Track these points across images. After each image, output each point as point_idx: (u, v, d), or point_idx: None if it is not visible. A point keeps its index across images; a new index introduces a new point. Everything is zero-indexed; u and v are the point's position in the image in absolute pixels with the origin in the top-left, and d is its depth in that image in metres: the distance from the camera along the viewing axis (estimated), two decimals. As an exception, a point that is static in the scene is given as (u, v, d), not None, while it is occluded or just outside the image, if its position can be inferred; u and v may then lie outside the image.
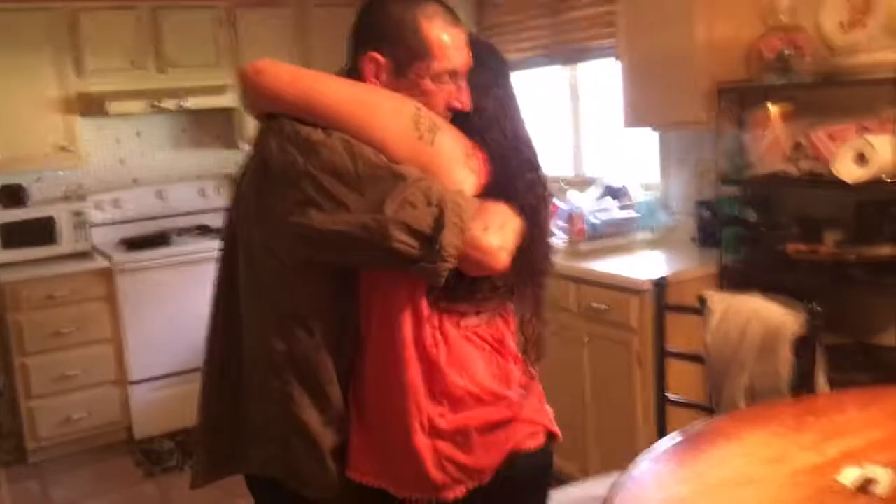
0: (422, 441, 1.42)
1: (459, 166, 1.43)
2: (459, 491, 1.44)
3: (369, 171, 1.35)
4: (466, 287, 1.44)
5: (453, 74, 1.46)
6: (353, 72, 1.47)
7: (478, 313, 1.49)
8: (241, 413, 1.53)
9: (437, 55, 1.43)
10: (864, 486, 1.44)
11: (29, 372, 3.95)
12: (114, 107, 4.10)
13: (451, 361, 1.44)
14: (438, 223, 1.34)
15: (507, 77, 1.57)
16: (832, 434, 1.67)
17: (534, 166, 1.54)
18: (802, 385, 2.08)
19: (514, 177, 1.49)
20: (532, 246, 1.49)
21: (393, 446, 1.45)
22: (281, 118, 1.40)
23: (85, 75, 4.16)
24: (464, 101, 1.48)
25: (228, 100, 4.37)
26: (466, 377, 1.45)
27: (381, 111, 1.40)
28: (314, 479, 1.47)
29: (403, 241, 1.34)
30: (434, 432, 1.43)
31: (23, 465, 3.99)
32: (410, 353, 1.42)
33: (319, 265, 1.42)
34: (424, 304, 1.43)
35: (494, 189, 1.46)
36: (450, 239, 1.34)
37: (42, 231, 4.10)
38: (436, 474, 1.43)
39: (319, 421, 1.46)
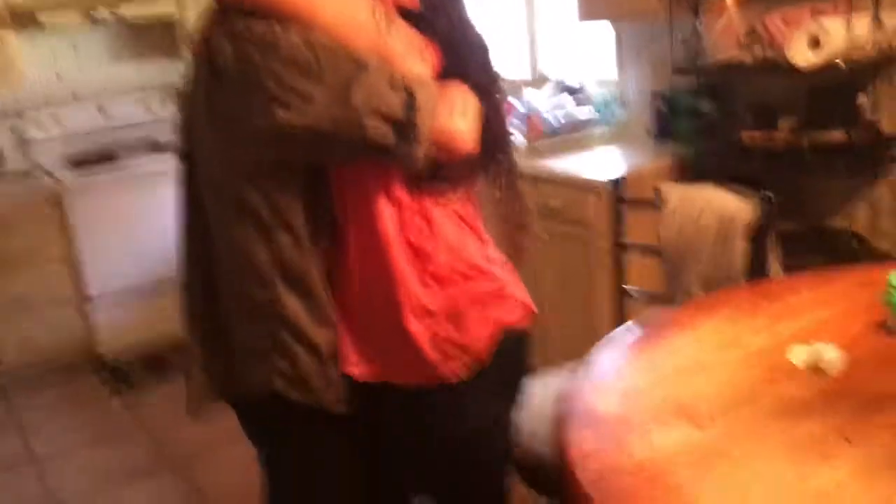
0: (415, 326, 1.42)
1: (416, 59, 1.41)
2: (459, 368, 1.45)
3: (331, 60, 1.29)
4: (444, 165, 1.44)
5: None
6: None
7: (455, 190, 1.49)
8: (225, 334, 1.49)
9: None
10: (814, 363, 1.48)
11: (-18, 297, 3.88)
12: (47, 18, 3.91)
13: (435, 243, 1.44)
14: (409, 107, 1.31)
15: None
16: (784, 316, 1.70)
17: (482, 47, 1.53)
18: (757, 272, 2.10)
19: (465, 59, 1.47)
20: (490, 123, 1.48)
21: (386, 336, 1.44)
22: (230, 15, 1.32)
23: (15, -14, 3.95)
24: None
25: (168, 6, 4.18)
26: (452, 254, 1.46)
27: (337, 2, 1.35)
28: (322, 384, 1.45)
29: (376, 127, 1.30)
30: (426, 314, 1.43)
31: (-14, 390, 3.98)
32: (395, 244, 1.41)
33: (289, 166, 1.38)
34: (402, 192, 1.42)
35: (446, 72, 1.43)
36: (423, 120, 1.32)
37: (-18, 153, 3.96)
38: (433, 355, 1.43)
39: (313, 323, 1.43)
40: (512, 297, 1.53)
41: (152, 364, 4.02)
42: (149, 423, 3.57)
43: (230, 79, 1.31)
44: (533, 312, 1.58)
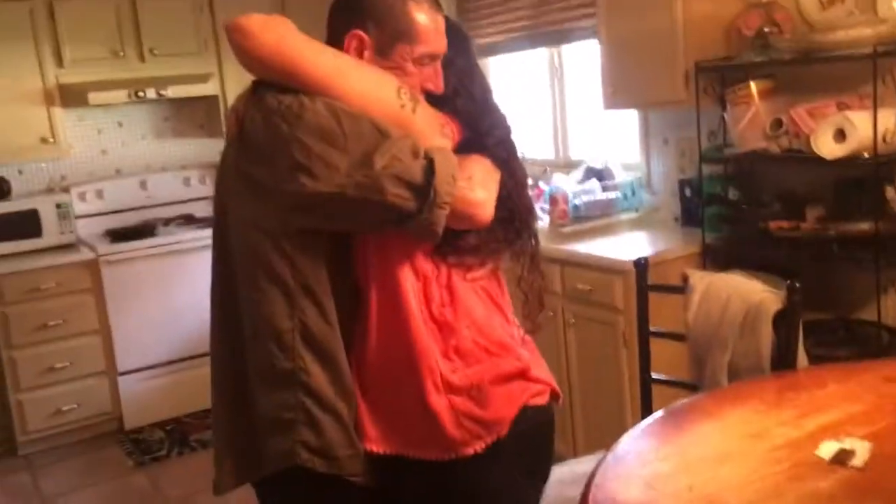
0: (437, 400, 1.43)
1: (437, 134, 1.47)
2: (478, 446, 1.45)
3: (354, 128, 1.36)
4: (474, 238, 1.48)
5: (433, 58, 1.49)
6: (332, 45, 1.48)
7: (482, 265, 1.52)
8: (250, 406, 1.50)
9: (423, 39, 1.46)
10: (841, 459, 1.46)
11: (17, 365, 3.94)
12: (95, 97, 4.08)
13: (460, 317, 1.46)
14: (429, 173, 1.37)
15: (469, 49, 1.60)
16: (811, 409, 1.69)
17: (502, 124, 1.58)
18: (783, 361, 2.09)
19: (484, 134, 1.53)
20: (513, 198, 1.53)
21: (406, 410, 1.45)
22: (262, 90, 1.41)
23: (65, 66, 4.13)
24: (439, 84, 1.51)
25: (211, 88, 4.36)
26: (475, 329, 1.48)
27: (365, 80, 1.42)
28: (346, 454, 1.46)
29: (397, 193, 1.35)
30: (449, 389, 1.44)
31: (13, 457, 4.00)
32: (418, 316, 1.44)
33: (314, 234, 1.42)
34: (427, 265, 1.46)
35: (465, 146, 1.50)
36: (442, 186, 1.37)
37: (26, 224, 4.08)
38: (454, 431, 1.43)
39: (335, 394, 1.45)
40: (535, 378, 1.54)
41: (176, 436, 4.04)
42: (169, 494, 3.56)
43: (259, 148, 1.39)
44: (556, 393, 1.59)
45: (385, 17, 1.45)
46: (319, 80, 1.38)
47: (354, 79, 1.41)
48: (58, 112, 4.16)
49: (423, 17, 1.46)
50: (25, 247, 4.06)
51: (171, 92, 4.24)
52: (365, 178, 1.34)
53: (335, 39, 1.48)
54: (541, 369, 1.58)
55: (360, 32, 1.45)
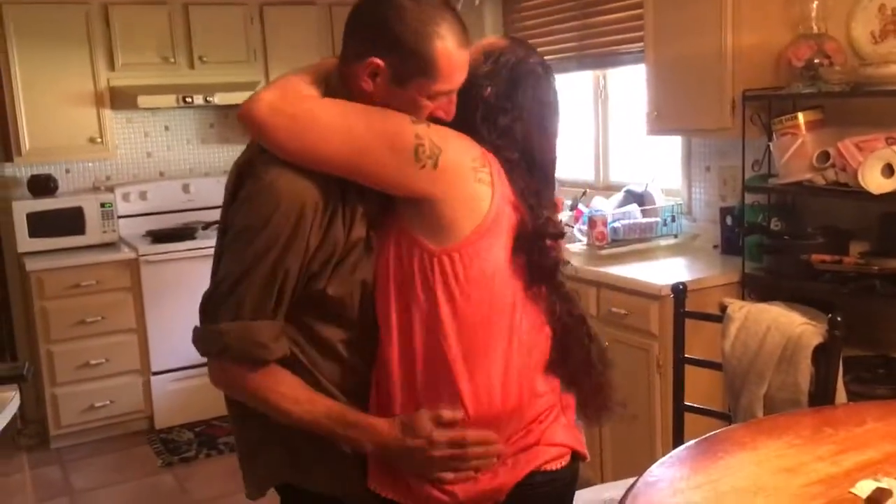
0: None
1: (470, 182, 1.41)
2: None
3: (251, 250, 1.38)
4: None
5: (449, 93, 1.44)
6: (346, 65, 1.43)
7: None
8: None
9: (443, 77, 1.39)
10: (878, 498, 1.43)
11: (54, 359, 4.01)
12: (144, 100, 4.17)
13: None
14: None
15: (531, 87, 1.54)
16: (849, 446, 1.66)
17: (548, 218, 1.49)
18: (821, 396, 2.06)
19: (532, 238, 1.46)
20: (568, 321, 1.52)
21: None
22: (263, 163, 1.40)
23: (117, 69, 4.23)
24: (450, 111, 1.45)
25: (256, 95, 4.41)
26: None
27: (379, 155, 1.37)
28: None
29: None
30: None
31: (45, 450, 4.06)
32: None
33: None
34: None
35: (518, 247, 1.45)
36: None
37: (70, 221, 4.17)
38: (451, 497, 1.43)
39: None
40: (553, 444, 1.51)
41: (204, 438, 4.08)
42: (196, 496, 3.59)
43: (240, 212, 1.41)
44: (580, 454, 1.57)
45: (409, 51, 1.36)
46: (334, 166, 1.38)
47: (369, 157, 1.37)
48: (107, 114, 4.25)
49: (447, 56, 1.37)
50: (68, 243, 4.15)
51: (218, 99, 4.31)
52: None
53: (350, 59, 1.42)
54: (561, 431, 1.53)
55: (379, 61, 1.37)
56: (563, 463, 1.53)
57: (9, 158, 4.17)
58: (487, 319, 1.42)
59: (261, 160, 1.40)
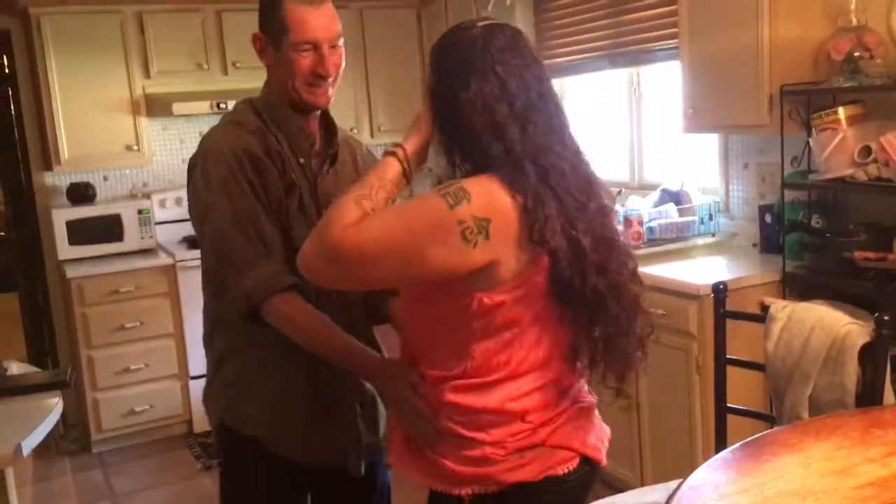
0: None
1: (513, 245, 1.38)
2: (473, 490, 1.47)
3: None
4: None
5: (316, 46, 1.65)
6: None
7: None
8: None
9: (297, 28, 1.64)
10: (934, 503, 1.40)
11: (94, 365, 4.07)
12: (179, 107, 4.21)
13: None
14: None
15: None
16: (900, 448, 1.62)
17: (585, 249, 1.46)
18: (868, 397, 2.01)
19: (573, 279, 1.44)
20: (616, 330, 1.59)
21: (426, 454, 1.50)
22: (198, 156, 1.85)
23: (152, 77, 4.28)
24: (327, 68, 1.67)
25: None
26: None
27: (432, 254, 1.34)
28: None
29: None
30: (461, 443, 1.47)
31: (87, 454, 4.13)
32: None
33: None
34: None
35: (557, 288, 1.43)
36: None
37: (109, 228, 4.23)
38: (456, 468, 1.47)
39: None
40: (558, 447, 1.50)
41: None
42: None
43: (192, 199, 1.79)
44: (591, 459, 1.54)
45: (270, 18, 1.66)
46: (401, 280, 1.48)
47: (426, 260, 1.35)
48: (143, 121, 4.31)
49: (294, 9, 1.63)
50: (107, 250, 4.21)
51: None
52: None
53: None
54: (574, 437, 1.52)
55: (260, 34, 1.70)
56: (571, 467, 1.50)
57: (48, 167, 4.24)
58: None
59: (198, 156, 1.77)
